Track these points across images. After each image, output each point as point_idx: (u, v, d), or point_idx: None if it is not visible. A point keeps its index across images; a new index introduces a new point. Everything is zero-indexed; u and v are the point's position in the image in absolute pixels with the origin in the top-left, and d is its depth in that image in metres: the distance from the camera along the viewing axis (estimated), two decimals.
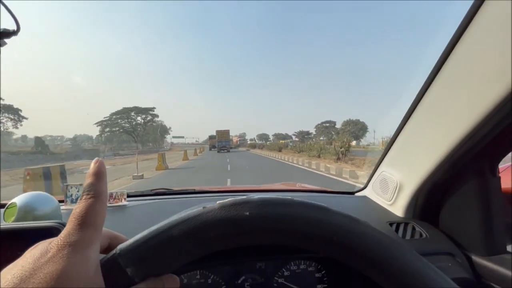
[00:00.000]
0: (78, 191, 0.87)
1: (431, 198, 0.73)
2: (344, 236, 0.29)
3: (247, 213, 0.28)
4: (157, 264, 0.26)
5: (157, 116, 72.79)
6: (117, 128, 67.11)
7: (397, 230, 0.73)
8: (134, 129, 68.98)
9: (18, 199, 0.59)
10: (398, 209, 0.80)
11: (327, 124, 71.58)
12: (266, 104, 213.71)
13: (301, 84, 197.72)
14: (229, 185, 1.62)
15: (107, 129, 65.78)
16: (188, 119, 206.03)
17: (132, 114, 67.54)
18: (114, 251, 0.26)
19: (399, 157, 0.80)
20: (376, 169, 0.93)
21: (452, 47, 0.53)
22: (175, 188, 1.19)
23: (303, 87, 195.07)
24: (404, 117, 0.72)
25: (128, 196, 0.98)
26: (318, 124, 73.40)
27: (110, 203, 0.88)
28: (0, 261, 0.48)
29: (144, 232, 0.27)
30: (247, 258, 0.64)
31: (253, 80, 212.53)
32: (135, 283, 0.25)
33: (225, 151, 32.79)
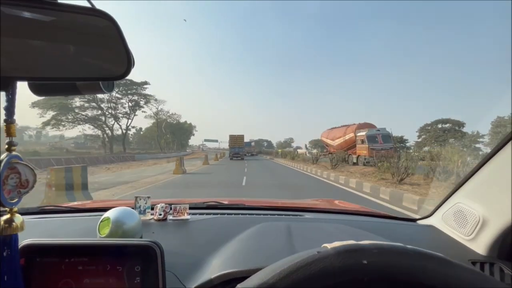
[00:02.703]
0: (146, 203, 0.91)
1: None
2: None
3: (365, 262, 0.28)
4: None
5: (153, 98, 43.29)
6: (81, 115, 36.31)
7: (481, 270, 0.67)
8: (114, 120, 39.10)
9: (110, 214, 0.64)
10: (479, 246, 0.74)
11: (445, 125, 37.75)
12: (319, 108, 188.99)
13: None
14: (272, 199, 1.63)
15: (69, 118, 35.32)
16: (232, 124, 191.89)
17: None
18: None
19: (484, 190, 0.74)
20: (448, 198, 0.87)
21: None
22: (224, 201, 1.21)
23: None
24: (496, 146, 0.67)
25: None
26: (427, 125, 39.96)
27: (174, 216, 0.91)
28: (99, 273, 0.51)
29: (262, 274, 0.27)
30: None
31: (302, 79, 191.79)
32: None
33: (239, 158, 30.30)
